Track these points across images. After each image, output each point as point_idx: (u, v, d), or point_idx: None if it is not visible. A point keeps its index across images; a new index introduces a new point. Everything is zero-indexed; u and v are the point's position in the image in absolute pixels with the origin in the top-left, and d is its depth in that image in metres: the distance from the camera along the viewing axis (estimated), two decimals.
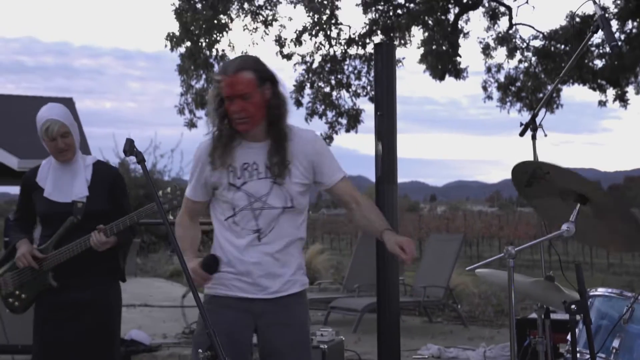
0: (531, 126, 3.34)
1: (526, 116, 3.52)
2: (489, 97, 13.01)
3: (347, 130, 11.53)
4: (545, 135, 3.33)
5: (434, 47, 11.77)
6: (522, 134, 3.40)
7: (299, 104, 11.10)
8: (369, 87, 11.30)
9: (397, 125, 3.91)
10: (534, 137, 3.36)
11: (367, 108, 11.51)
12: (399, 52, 11.70)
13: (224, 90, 2.69)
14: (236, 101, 2.67)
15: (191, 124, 10.59)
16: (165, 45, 10.75)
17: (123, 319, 3.73)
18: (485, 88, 13.07)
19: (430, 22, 11.67)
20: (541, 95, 11.91)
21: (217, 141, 2.76)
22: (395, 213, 3.68)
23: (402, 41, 11.80)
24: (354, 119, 11.59)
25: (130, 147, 2.50)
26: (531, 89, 12.18)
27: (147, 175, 2.52)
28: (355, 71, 11.68)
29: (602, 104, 12.25)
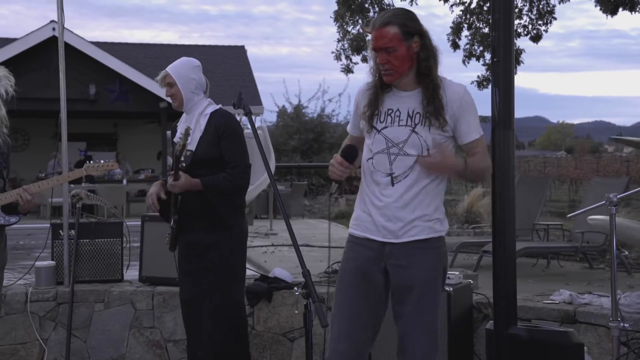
0: None
1: None
2: None
3: None
4: None
5: None
6: None
7: (455, 46, 10.73)
8: (530, 26, 10.75)
9: (515, 71, 3.87)
10: None
11: (527, 46, 10.97)
12: None
13: (372, 43, 2.89)
14: (381, 53, 2.86)
15: (347, 70, 10.65)
16: None
17: (282, 257, 3.89)
18: None
19: None
20: None
21: (372, 88, 2.95)
22: (512, 159, 3.64)
23: None
24: (514, 59, 11.07)
25: (238, 101, 2.74)
26: None
27: (253, 127, 2.73)
28: (516, 9, 11.14)
29: None
